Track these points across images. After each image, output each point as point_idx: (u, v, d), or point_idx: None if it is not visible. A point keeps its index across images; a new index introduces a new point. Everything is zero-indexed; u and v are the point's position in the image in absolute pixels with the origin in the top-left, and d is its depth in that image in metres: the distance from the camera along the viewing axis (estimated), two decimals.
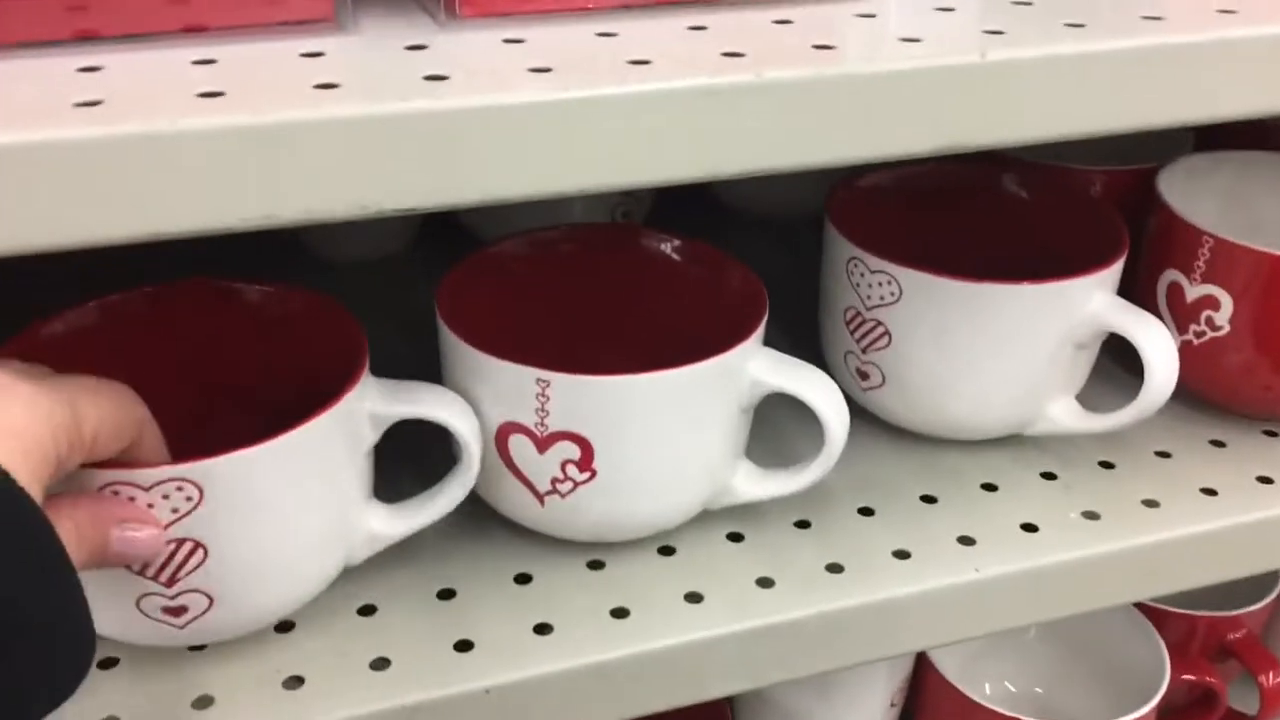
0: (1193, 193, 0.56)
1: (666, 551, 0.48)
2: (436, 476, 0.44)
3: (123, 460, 0.36)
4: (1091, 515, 0.51)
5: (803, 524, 0.50)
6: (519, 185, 0.33)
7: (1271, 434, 0.56)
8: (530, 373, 0.41)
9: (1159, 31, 0.37)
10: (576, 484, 0.43)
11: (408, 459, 0.47)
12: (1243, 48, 0.37)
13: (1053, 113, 0.36)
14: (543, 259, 0.51)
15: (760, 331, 0.44)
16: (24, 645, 0.29)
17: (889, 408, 0.53)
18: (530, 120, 0.32)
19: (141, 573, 0.38)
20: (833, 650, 0.47)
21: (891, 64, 0.34)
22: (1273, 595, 0.75)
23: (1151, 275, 0.55)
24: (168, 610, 0.39)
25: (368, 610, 0.45)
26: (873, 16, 0.38)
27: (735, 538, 0.49)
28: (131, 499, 0.36)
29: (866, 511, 0.50)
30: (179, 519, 0.37)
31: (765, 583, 0.46)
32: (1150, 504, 0.51)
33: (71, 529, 0.33)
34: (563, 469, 0.43)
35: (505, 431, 0.43)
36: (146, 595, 0.38)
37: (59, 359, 0.39)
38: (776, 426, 0.53)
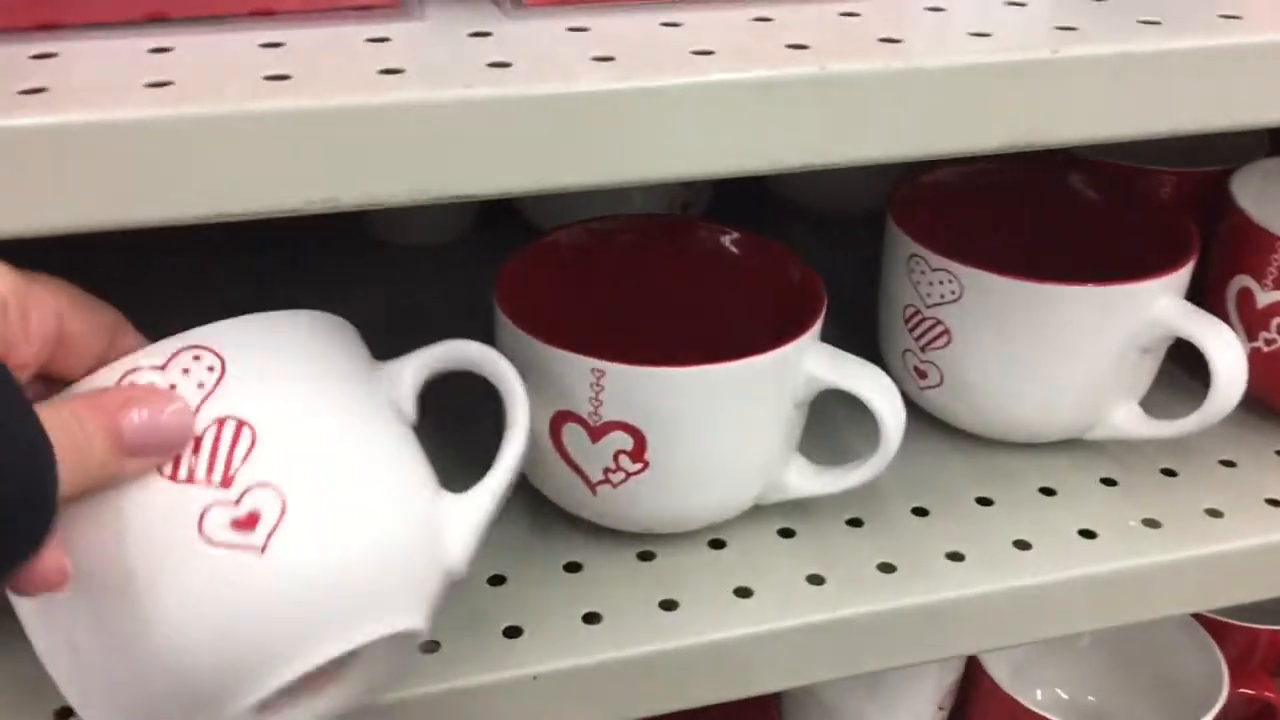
0: (1267, 197, 0.55)
1: (717, 545, 0.48)
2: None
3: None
4: (1152, 523, 0.50)
5: (855, 522, 0.49)
6: (579, 174, 0.32)
7: None
8: (585, 362, 0.41)
9: (1236, 30, 0.36)
10: (629, 474, 0.43)
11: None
12: None
13: (1125, 111, 0.36)
14: (601, 249, 0.51)
15: (818, 327, 0.44)
16: None
17: (946, 407, 0.52)
18: (592, 109, 0.32)
19: (190, 479, 0.31)
20: (882, 650, 0.46)
21: (959, 59, 0.34)
22: None
23: (1222, 280, 0.54)
24: (237, 525, 0.31)
25: None
26: (941, 10, 0.37)
27: (787, 533, 0.48)
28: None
29: (920, 512, 0.50)
30: (208, 395, 0.32)
31: (816, 580, 0.46)
32: (1213, 513, 0.50)
33: (72, 421, 0.29)
34: (615, 459, 0.43)
35: (559, 420, 0.43)
36: (208, 510, 0.31)
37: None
38: (831, 423, 0.53)
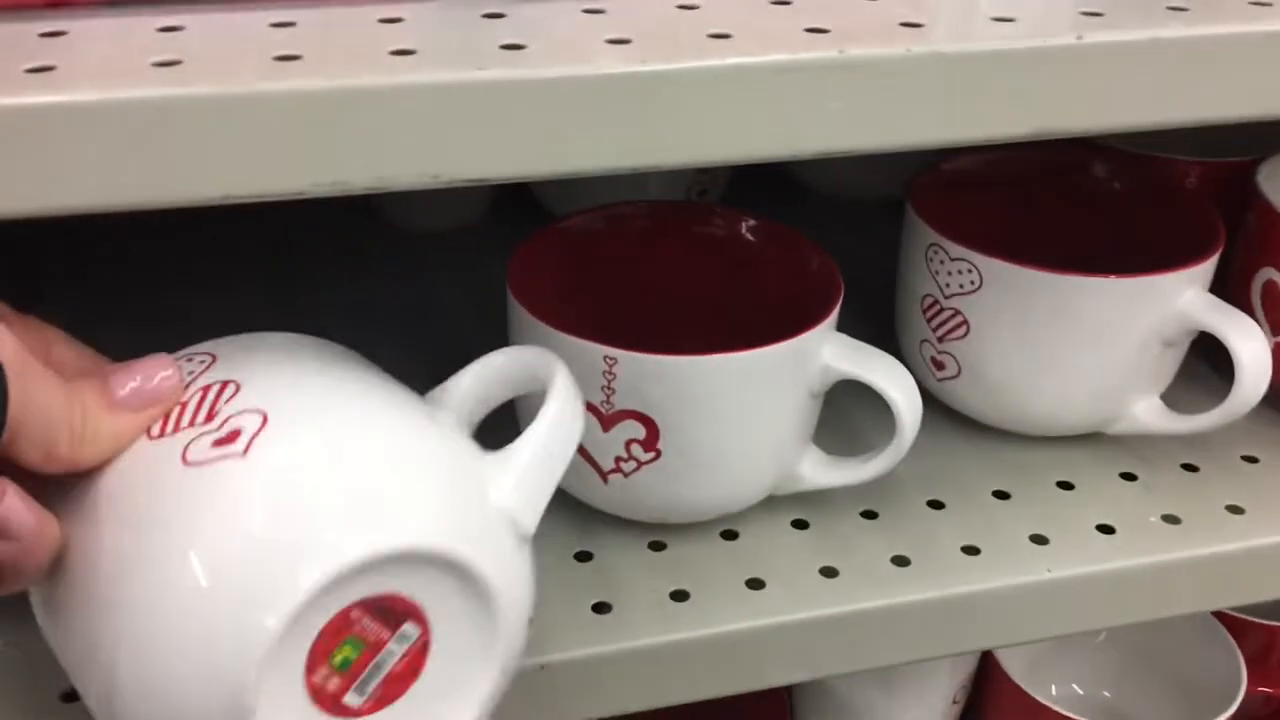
0: None
1: (729, 536, 0.47)
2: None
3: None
4: (1172, 519, 0.49)
5: (870, 514, 0.49)
6: (594, 159, 0.32)
7: None
8: (597, 350, 0.41)
9: (1266, 18, 0.35)
10: (640, 463, 0.43)
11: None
12: None
13: (1151, 99, 0.35)
14: (615, 235, 0.50)
15: (834, 316, 0.43)
16: None
17: (964, 399, 0.52)
18: (607, 93, 0.31)
19: (175, 429, 0.32)
20: (896, 644, 0.46)
21: (982, 44, 0.33)
22: None
23: (1246, 273, 0.53)
24: (218, 443, 0.31)
25: None
26: None
27: (800, 525, 0.48)
28: None
29: (936, 505, 0.49)
30: (197, 376, 0.33)
31: (829, 572, 0.46)
32: (1234, 510, 0.50)
33: (65, 388, 0.30)
34: (627, 448, 0.43)
35: None
36: (191, 443, 0.31)
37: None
38: (846, 414, 0.52)
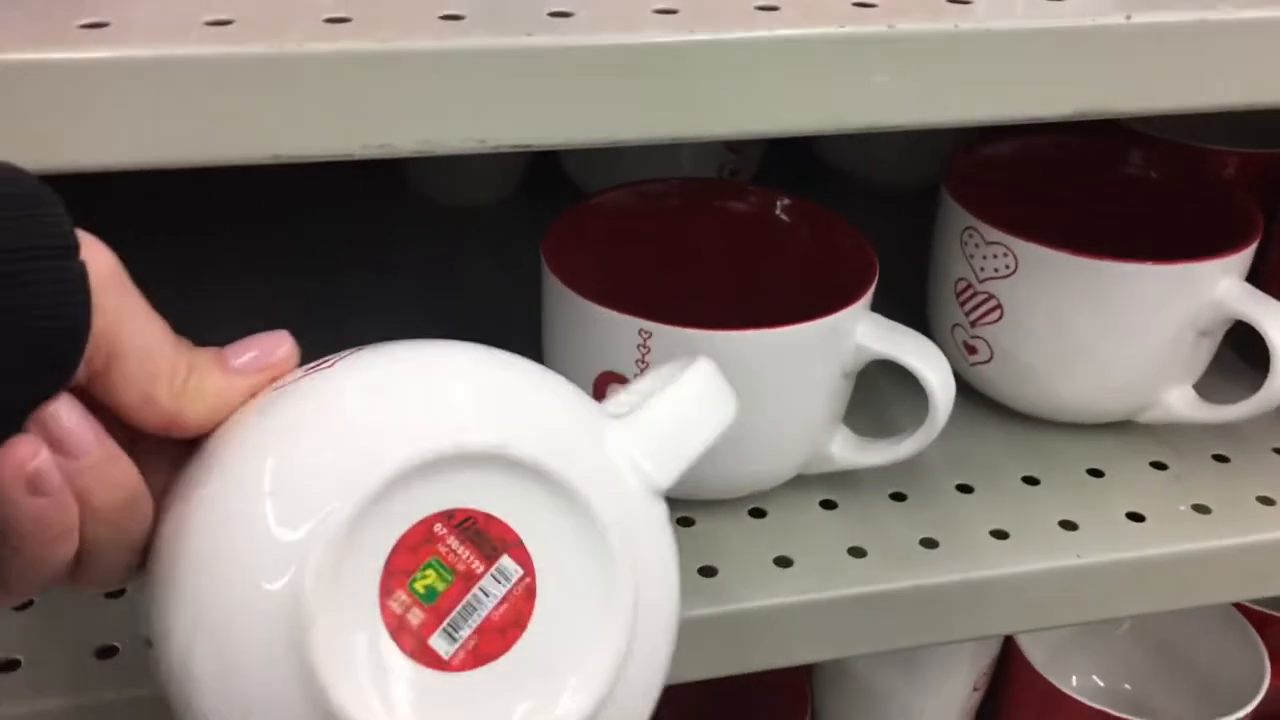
0: None
1: (757, 514, 0.47)
2: None
3: None
4: (1202, 508, 0.49)
5: (898, 496, 0.49)
6: (637, 127, 0.32)
7: None
8: (633, 323, 0.41)
9: None
10: None
11: None
12: None
13: (1199, 82, 0.35)
14: (650, 211, 0.50)
15: (869, 296, 0.43)
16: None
17: (996, 384, 0.52)
18: (653, 62, 0.31)
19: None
20: (922, 626, 0.46)
21: (1030, 22, 0.33)
22: None
23: None
24: (308, 370, 0.30)
25: None
26: None
27: (828, 505, 0.48)
28: None
29: (965, 489, 0.49)
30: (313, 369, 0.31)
31: (857, 552, 0.46)
32: (1265, 501, 0.49)
33: (184, 346, 0.29)
34: None
35: (604, 380, 0.43)
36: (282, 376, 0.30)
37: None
38: (877, 395, 0.52)
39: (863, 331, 0.43)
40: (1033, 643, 0.66)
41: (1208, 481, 0.50)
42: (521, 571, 0.28)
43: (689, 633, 0.43)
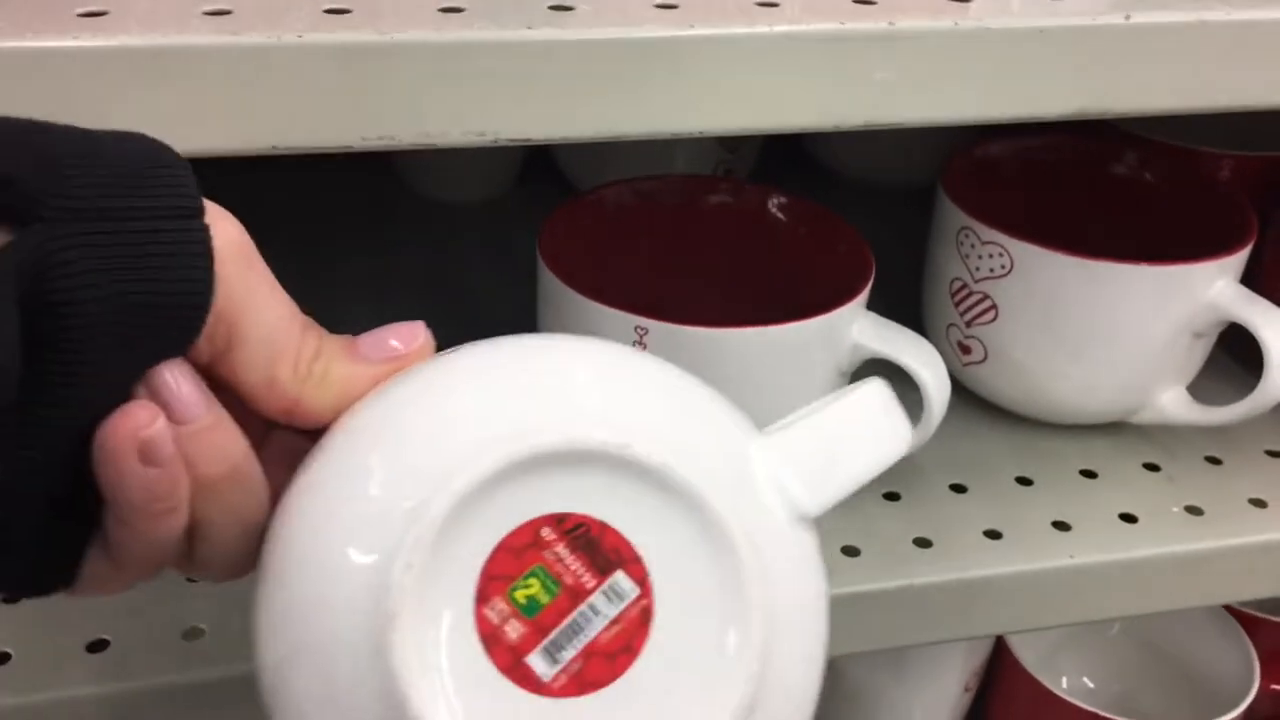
0: None
1: None
2: None
3: None
4: (1194, 510, 0.49)
5: (892, 496, 0.49)
6: (637, 122, 0.32)
7: None
8: (629, 319, 0.41)
9: None
10: None
11: None
12: None
13: (1198, 83, 0.35)
14: (646, 207, 0.50)
15: (865, 294, 0.43)
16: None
17: (990, 384, 0.52)
18: (654, 56, 0.31)
19: None
20: (914, 624, 0.46)
21: (1030, 20, 0.33)
22: None
23: (1277, 267, 0.53)
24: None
25: None
26: None
27: None
28: None
29: (959, 488, 0.49)
30: None
31: (850, 551, 0.46)
32: (1257, 503, 0.49)
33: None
34: None
35: None
36: None
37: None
38: None
39: (858, 330, 0.43)
40: (1023, 643, 0.66)
41: (1200, 483, 0.50)
42: (638, 591, 0.25)
43: None
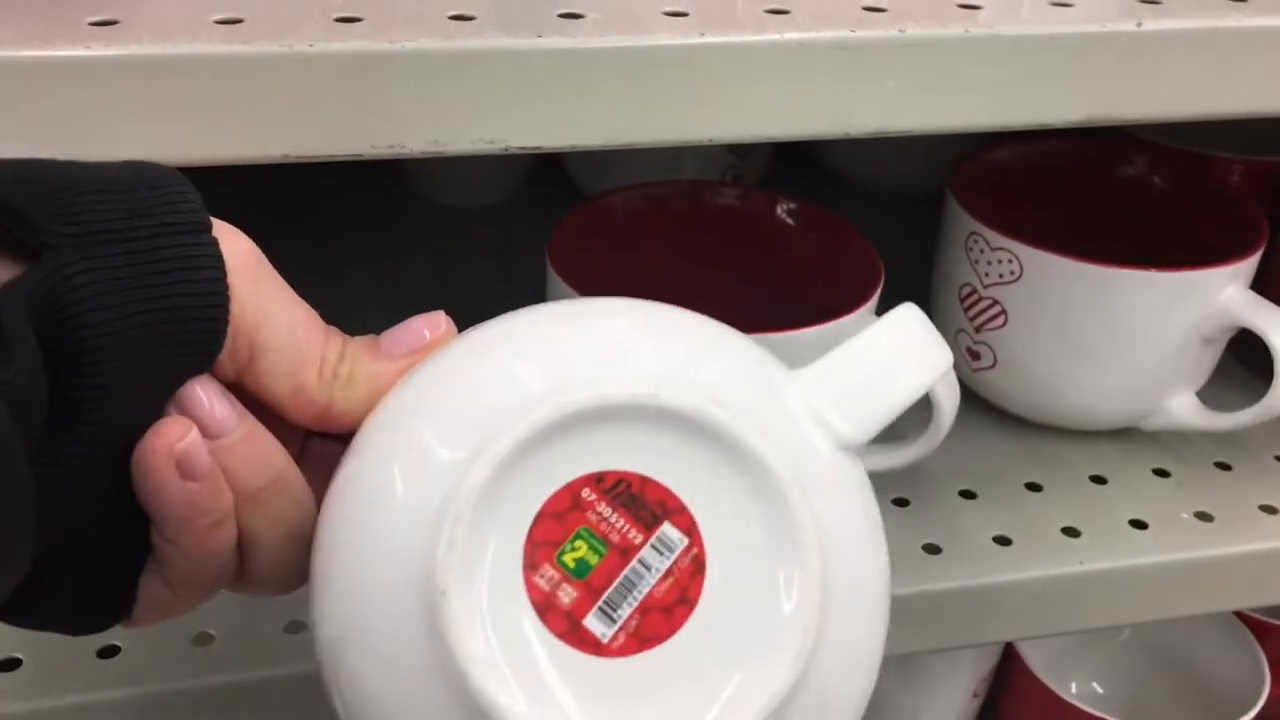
0: None
1: None
2: None
3: None
4: (1205, 516, 0.49)
5: (901, 502, 0.49)
6: (647, 131, 0.32)
7: None
8: None
9: None
10: None
11: None
12: None
13: (1209, 90, 0.35)
14: (656, 213, 0.50)
15: (875, 300, 0.43)
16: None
17: (999, 390, 0.52)
18: (663, 64, 0.31)
19: None
20: (924, 631, 0.46)
21: (1040, 27, 0.33)
22: None
23: None
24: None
25: None
26: None
27: None
28: None
29: (968, 495, 0.49)
30: None
31: None
32: (1268, 509, 0.49)
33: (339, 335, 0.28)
34: None
35: None
36: None
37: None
38: None
39: None
40: (1033, 649, 0.66)
41: (1210, 489, 0.50)
42: (687, 541, 0.24)
43: None
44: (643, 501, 0.24)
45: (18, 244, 0.23)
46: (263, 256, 0.26)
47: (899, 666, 0.66)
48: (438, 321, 0.28)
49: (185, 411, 0.24)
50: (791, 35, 0.31)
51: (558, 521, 0.24)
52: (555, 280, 0.43)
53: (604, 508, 0.24)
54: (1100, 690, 0.73)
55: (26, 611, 0.25)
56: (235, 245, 0.25)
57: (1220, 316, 0.47)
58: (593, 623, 0.24)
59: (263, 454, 0.26)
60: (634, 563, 0.24)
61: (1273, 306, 0.47)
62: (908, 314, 0.29)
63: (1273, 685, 0.65)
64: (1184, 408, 0.50)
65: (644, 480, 0.24)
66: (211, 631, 0.41)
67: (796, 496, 0.24)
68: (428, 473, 0.24)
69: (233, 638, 0.41)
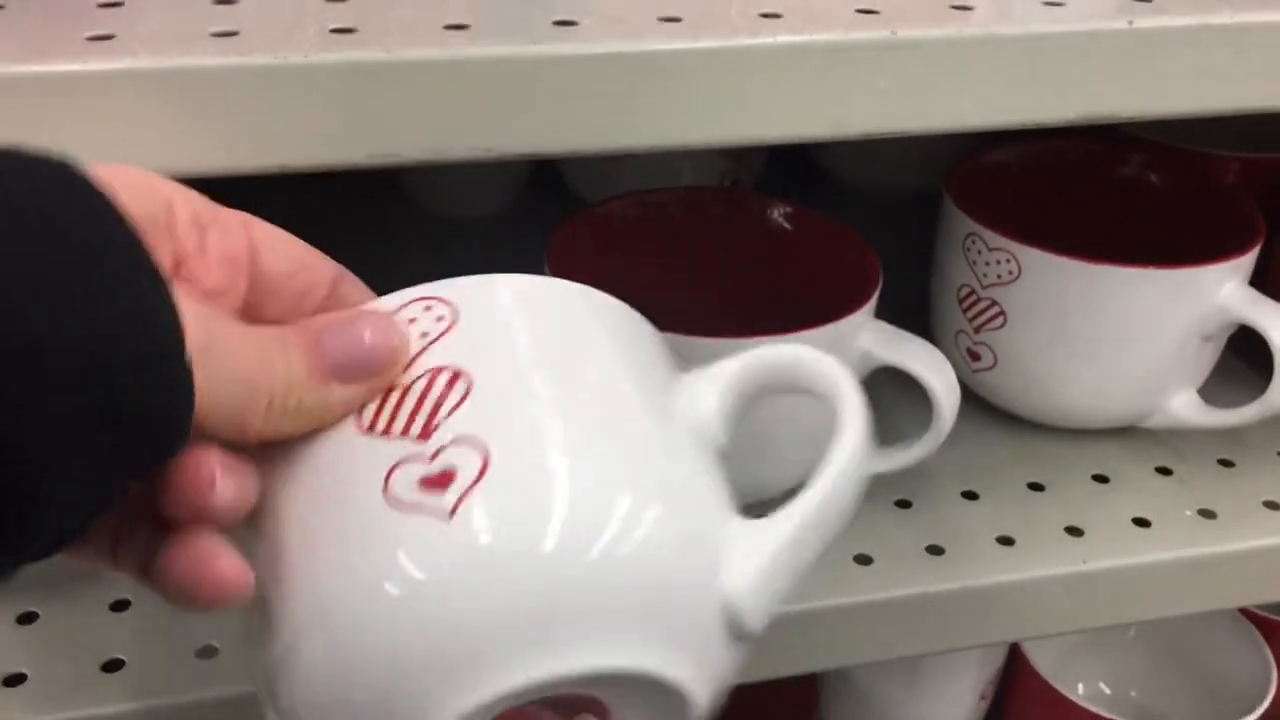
0: None
1: None
2: None
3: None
4: (1208, 513, 0.49)
5: (903, 504, 0.49)
6: (641, 135, 0.32)
7: None
8: None
9: None
10: None
11: None
12: None
13: (1201, 87, 0.35)
14: (654, 219, 0.50)
15: (873, 303, 0.43)
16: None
17: (999, 391, 0.52)
18: (658, 70, 0.31)
19: (386, 431, 0.26)
20: (928, 633, 0.46)
21: (1032, 27, 0.33)
22: None
23: None
24: (427, 483, 0.25)
25: None
26: None
27: None
28: None
29: (970, 495, 0.49)
30: (429, 345, 0.27)
31: (863, 560, 0.46)
32: (1271, 505, 0.49)
33: (275, 340, 0.26)
34: None
35: None
36: (398, 466, 0.25)
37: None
38: (882, 402, 0.52)
39: (866, 338, 0.43)
40: (1039, 650, 0.66)
41: (1213, 486, 0.50)
42: None
43: None
44: (572, 706, 0.27)
45: None
46: (204, 308, 0.24)
47: (904, 669, 0.66)
48: (391, 330, 0.27)
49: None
50: (784, 38, 0.31)
51: None
52: None
53: (547, 716, 0.27)
54: (1107, 690, 0.73)
55: None
56: (189, 321, 0.23)
57: (1220, 313, 0.47)
58: None
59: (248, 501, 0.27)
60: None
61: (1272, 302, 0.47)
62: (850, 467, 0.30)
63: (1279, 682, 0.65)
64: (1185, 405, 0.50)
65: (579, 696, 0.27)
66: (216, 644, 0.41)
67: (698, 707, 0.27)
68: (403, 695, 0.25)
69: (237, 650, 0.41)
